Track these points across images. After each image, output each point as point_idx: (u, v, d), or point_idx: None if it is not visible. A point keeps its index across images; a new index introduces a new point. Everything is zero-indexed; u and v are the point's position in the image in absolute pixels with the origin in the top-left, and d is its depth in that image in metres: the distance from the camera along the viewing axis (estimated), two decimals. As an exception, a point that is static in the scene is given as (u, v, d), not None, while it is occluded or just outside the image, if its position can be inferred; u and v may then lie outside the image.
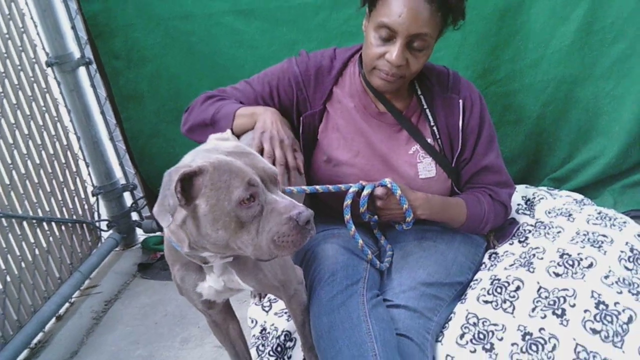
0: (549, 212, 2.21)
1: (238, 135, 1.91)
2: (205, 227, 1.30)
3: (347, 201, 1.84)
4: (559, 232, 2.05)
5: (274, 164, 1.76)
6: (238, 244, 1.32)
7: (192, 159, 1.32)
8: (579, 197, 2.39)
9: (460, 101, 1.95)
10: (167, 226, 1.26)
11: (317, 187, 1.76)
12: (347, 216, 1.84)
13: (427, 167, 1.97)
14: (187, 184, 1.27)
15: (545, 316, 1.72)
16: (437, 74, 1.97)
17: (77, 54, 3.00)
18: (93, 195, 3.22)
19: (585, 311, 1.69)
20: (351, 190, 1.84)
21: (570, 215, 2.15)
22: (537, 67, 2.62)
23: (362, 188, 1.84)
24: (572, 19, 2.51)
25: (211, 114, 1.94)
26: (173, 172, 1.26)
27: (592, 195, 2.55)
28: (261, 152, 1.79)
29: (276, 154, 1.79)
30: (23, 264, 2.56)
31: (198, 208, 1.28)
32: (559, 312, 1.71)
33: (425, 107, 1.95)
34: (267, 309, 2.19)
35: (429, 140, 1.97)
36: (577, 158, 2.73)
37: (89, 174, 3.22)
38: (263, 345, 2.04)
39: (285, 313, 2.11)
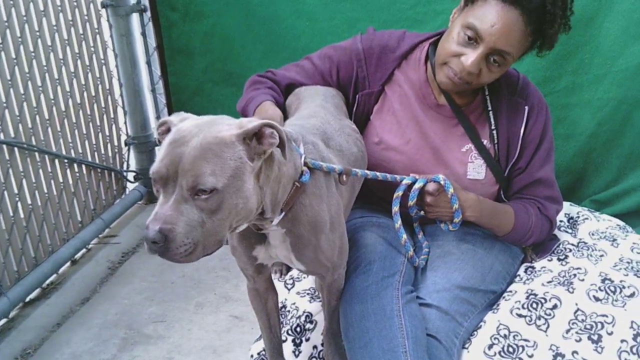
0: (593, 234, 2.14)
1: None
2: None
3: (398, 192, 1.77)
4: (601, 255, 1.99)
5: None
6: None
7: None
8: (622, 223, 2.31)
9: (527, 107, 1.88)
10: None
11: (378, 173, 1.71)
12: (396, 208, 1.77)
13: (477, 169, 1.91)
14: None
15: (580, 339, 1.66)
16: (507, 76, 1.89)
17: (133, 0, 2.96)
18: (125, 145, 3.19)
19: (622, 341, 1.63)
20: (404, 182, 1.77)
21: (614, 240, 2.08)
22: (599, 83, 2.52)
23: (415, 181, 1.78)
24: (644, 40, 2.41)
25: (242, 105, 1.91)
26: None
27: (632, 224, 2.44)
28: None
29: None
30: (48, 203, 2.55)
31: None
32: (594, 337, 1.66)
33: (490, 108, 1.88)
34: (289, 286, 2.14)
35: (485, 142, 1.90)
36: (623, 183, 2.63)
37: (125, 123, 3.20)
38: (281, 322, 2.00)
39: (308, 294, 2.07)
